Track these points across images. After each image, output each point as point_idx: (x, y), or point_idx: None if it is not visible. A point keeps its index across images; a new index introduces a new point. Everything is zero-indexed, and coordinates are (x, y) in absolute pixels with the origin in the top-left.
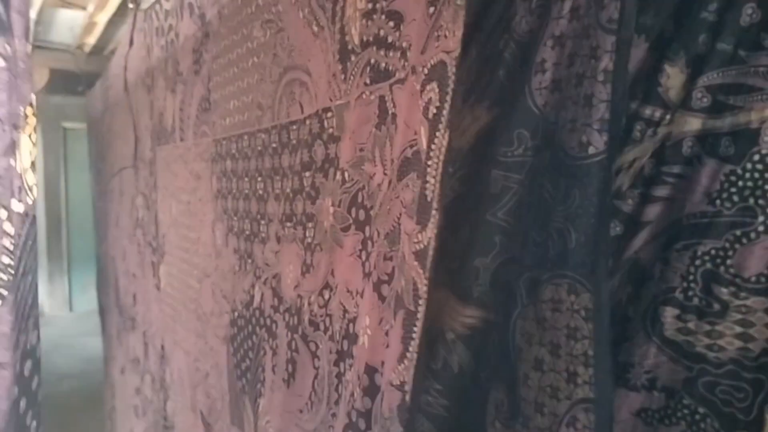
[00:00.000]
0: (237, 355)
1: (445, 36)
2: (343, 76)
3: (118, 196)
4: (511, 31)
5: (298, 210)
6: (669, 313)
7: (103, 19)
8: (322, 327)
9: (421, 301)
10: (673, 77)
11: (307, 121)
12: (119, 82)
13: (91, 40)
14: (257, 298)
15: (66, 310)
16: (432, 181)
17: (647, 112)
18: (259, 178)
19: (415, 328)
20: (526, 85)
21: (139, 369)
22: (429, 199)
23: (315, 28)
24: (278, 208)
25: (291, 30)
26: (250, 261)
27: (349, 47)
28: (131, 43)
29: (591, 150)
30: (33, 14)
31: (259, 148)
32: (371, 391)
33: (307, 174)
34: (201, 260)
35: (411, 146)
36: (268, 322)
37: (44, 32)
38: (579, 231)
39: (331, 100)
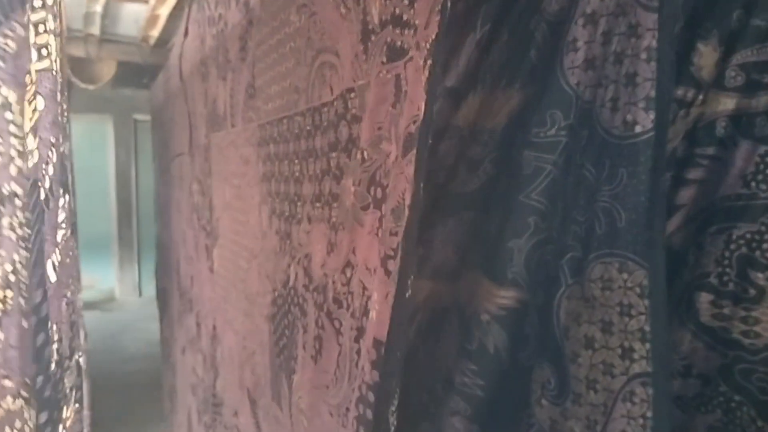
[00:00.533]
0: (276, 333)
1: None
2: (364, 57)
3: (178, 182)
4: (542, 11)
5: (326, 190)
6: (704, 298)
7: (164, 11)
8: (344, 304)
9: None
10: (705, 55)
11: (335, 103)
12: (176, 72)
13: (155, 32)
14: (292, 278)
15: (135, 295)
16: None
17: (679, 92)
18: (296, 161)
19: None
20: (558, 65)
21: (195, 348)
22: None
23: (343, 10)
24: (310, 189)
25: (322, 13)
26: (288, 242)
27: (370, 27)
28: (186, 33)
29: (638, 129)
30: (99, 8)
31: (296, 131)
32: (378, 364)
33: (333, 154)
34: (249, 242)
35: (414, 122)
36: (300, 300)
37: (111, 25)
38: (629, 210)
39: (354, 80)
